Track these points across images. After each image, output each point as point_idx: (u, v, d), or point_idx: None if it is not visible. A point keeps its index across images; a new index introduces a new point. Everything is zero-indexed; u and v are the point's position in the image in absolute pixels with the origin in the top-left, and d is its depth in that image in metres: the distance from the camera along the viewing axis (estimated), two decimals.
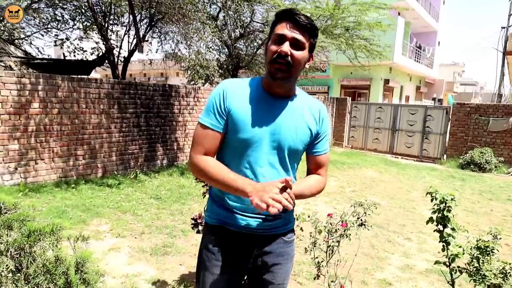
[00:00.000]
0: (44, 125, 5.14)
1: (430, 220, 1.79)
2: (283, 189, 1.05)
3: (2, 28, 10.78)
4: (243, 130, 1.16)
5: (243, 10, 10.78)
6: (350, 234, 1.99)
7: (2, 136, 4.72)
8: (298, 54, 1.12)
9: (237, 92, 1.20)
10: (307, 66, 1.19)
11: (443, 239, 1.75)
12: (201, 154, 1.19)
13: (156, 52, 10.56)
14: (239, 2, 9.02)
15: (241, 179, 1.11)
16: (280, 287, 1.31)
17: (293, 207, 1.08)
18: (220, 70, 13.16)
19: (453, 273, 1.79)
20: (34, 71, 7.73)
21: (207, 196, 1.40)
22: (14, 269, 1.14)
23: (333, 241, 1.97)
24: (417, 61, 19.32)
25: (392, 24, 10.46)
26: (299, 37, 1.12)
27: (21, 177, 4.97)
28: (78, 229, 3.72)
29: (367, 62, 10.70)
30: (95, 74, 22.18)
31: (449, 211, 1.77)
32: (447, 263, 1.78)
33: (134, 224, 3.97)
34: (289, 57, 1.11)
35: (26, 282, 1.16)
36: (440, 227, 1.77)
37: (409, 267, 3.33)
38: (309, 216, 2.05)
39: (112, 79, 6.11)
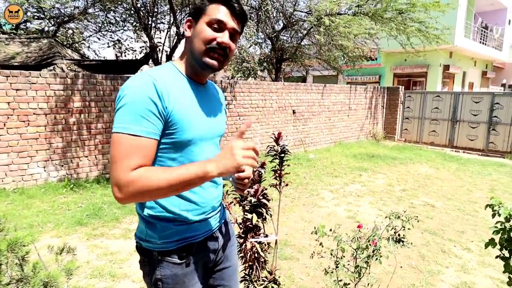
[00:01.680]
0: (86, 123, 5.33)
1: (491, 243, 1.36)
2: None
3: (63, 34, 11.69)
4: (188, 128, 1.01)
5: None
6: (381, 256, 1.61)
7: (46, 135, 4.97)
8: (233, 46, 1.06)
9: (170, 86, 0.98)
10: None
11: (510, 270, 1.31)
12: (133, 170, 0.90)
13: None
14: None
15: (193, 166, 0.90)
16: (236, 268, 1.30)
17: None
18: (264, 64, 12.95)
19: None
20: (86, 71, 8.18)
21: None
22: None
23: (361, 261, 1.62)
24: (483, 43, 17.23)
25: (452, 3, 9.29)
26: (237, 28, 1.05)
27: (66, 174, 5.22)
28: (110, 227, 3.76)
29: (422, 48, 9.71)
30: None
31: None
32: None
33: None
34: (227, 49, 1.04)
35: None
36: (505, 253, 1.34)
37: (467, 285, 2.80)
38: (331, 230, 1.72)
39: None
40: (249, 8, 9.85)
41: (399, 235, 1.70)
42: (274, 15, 10.69)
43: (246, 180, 1.08)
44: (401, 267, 2.99)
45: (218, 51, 1.02)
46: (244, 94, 7.47)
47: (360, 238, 1.65)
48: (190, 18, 1.05)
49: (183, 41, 8.90)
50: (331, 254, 1.67)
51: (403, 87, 11.83)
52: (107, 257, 3.06)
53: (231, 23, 1.03)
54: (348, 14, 9.44)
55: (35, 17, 10.57)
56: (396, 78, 16.95)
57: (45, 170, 5.02)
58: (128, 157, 0.89)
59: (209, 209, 1.12)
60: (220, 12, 1.01)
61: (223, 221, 1.24)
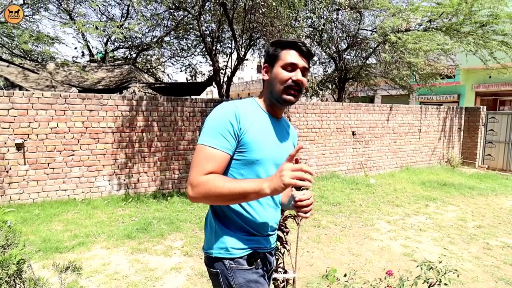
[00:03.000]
0: (147, 141, 5.74)
1: None
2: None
3: (142, 60, 13.07)
4: (257, 150, 1.19)
5: (350, 19, 10.18)
6: None
7: (113, 151, 5.46)
8: (305, 80, 1.24)
9: (247, 114, 1.20)
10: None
11: None
12: (205, 174, 1.12)
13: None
14: (347, 11, 8.53)
15: (252, 182, 1.08)
16: None
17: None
18: (327, 83, 12.69)
19: None
20: (157, 93, 8.93)
21: None
22: None
23: None
24: None
25: None
26: (306, 66, 1.24)
27: (127, 188, 5.64)
28: (154, 243, 3.89)
29: (510, 63, 8.55)
30: (214, 95, 24.55)
31: None
32: None
33: None
34: (301, 84, 1.23)
35: None
36: None
37: None
38: (345, 275, 1.48)
39: (205, 98, 6.45)
40: (312, 29, 9.83)
41: None
42: (338, 35, 10.49)
43: (307, 202, 1.15)
44: None
45: (294, 87, 1.21)
46: (299, 115, 7.34)
47: None
48: (267, 64, 1.27)
49: (245, 64, 9.15)
50: None
51: (486, 107, 10.47)
52: (144, 273, 3.15)
53: (301, 63, 1.22)
54: (419, 30, 8.80)
55: (121, 46, 12.01)
56: (478, 97, 15.14)
57: (109, 184, 5.50)
58: (203, 164, 1.11)
59: (268, 228, 1.26)
60: (292, 56, 1.22)
61: (275, 245, 1.36)
